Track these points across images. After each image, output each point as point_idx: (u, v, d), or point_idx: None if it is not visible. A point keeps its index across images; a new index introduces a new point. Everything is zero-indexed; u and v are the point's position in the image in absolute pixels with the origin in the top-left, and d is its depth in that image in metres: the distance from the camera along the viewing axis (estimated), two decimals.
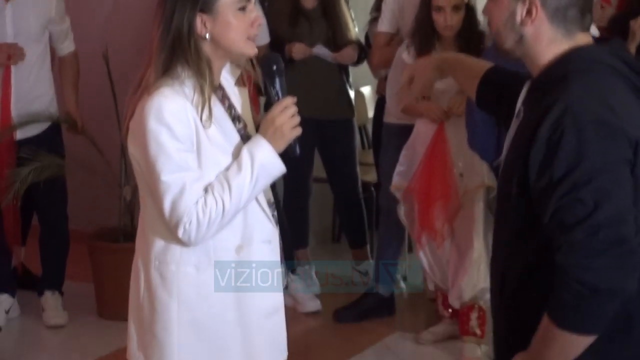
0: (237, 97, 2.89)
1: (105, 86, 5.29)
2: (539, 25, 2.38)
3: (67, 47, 5.34)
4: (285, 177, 5.39)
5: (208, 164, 2.69)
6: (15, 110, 5.08)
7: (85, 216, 5.93)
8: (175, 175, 2.64)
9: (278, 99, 2.76)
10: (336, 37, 5.55)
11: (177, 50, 2.68)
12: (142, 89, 2.70)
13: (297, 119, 2.74)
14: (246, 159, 2.68)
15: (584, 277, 2.17)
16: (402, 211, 5.01)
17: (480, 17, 4.80)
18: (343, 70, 5.68)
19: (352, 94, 5.81)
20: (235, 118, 2.83)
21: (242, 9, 2.72)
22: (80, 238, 5.50)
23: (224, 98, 2.82)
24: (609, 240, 2.16)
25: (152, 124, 2.63)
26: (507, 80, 2.74)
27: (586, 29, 2.41)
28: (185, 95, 2.67)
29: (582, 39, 2.40)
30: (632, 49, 4.63)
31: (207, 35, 2.70)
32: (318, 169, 5.91)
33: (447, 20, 4.70)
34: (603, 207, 2.17)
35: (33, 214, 5.54)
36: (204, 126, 2.68)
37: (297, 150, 2.77)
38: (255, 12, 2.76)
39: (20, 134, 5.13)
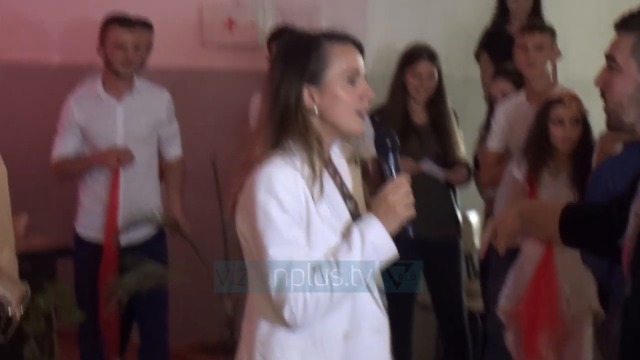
0: (348, 174, 2.81)
1: (211, 194, 5.27)
2: None
3: (174, 151, 5.36)
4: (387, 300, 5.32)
5: (317, 241, 2.59)
6: (122, 213, 5.08)
7: (183, 328, 5.84)
8: (283, 250, 2.54)
9: (392, 176, 2.67)
10: (446, 154, 5.48)
11: (286, 123, 2.63)
12: (251, 162, 2.64)
13: (411, 198, 2.63)
14: (356, 238, 2.58)
15: None
16: (509, 338, 4.82)
17: (596, 133, 4.71)
18: (451, 188, 5.59)
19: (459, 214, 5.69)
20: (346, 196, 2.74)
21: (351, 81, 2.66)
22: (178, 351, 5.40)
23: (335, 174, 2.75)
24: None
25: (262, 195, 2.56)
26: (588, 214, 2.78)
27: None
28: (296, 167, 2.60)
29: None
30: None
31: (316, 108, 2.64)
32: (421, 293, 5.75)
33: (567, 133, 4.60)
34: None
35: (133, 324, 5.47)
36: (314, 202, 2.60)
37: (411, 232, 2.65)
38: (365, 85, 2.69)
39: (125, 239, 5.11)
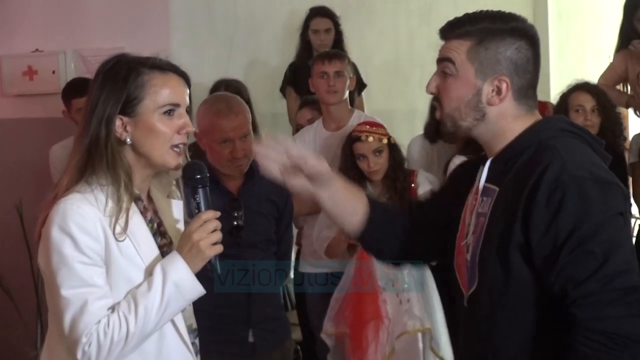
0: (168, 211, 2.67)
1: (19, 241, 5.12)
2: (505, 103, 2.40)
3: None
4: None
5: (118, 280, 2.44)
6: None
7: None
8: (76, 291, 2.38)
9: (198, 211, 2.51)
10: None
11: (94, 154, 2.46)
12: (54, 194, 2.48)
13: (218, 235, 2.49)
14: (158, 277, 2.43)
15: (604, 327, 2.17)
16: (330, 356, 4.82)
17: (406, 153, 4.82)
18: None
19: None
20: (157, 233, 2.60)
21: (169, 112, 2.51)
22: None
23: (147, 210, 2.59)
24: (623, 289, 2.18)
25: (55, 233, 2.39)
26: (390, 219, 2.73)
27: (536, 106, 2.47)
28: (97, 203, 2.43)
29: (538, 113, 2.46)
30: None
31: (128, 140, 2.49)
32: None
33: (371, 166, 4.71)
34: (613, 257, 2.19)
35: None
36: (116, 238, 2.44)
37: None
38: (185, 118, 2.54)
39: None
